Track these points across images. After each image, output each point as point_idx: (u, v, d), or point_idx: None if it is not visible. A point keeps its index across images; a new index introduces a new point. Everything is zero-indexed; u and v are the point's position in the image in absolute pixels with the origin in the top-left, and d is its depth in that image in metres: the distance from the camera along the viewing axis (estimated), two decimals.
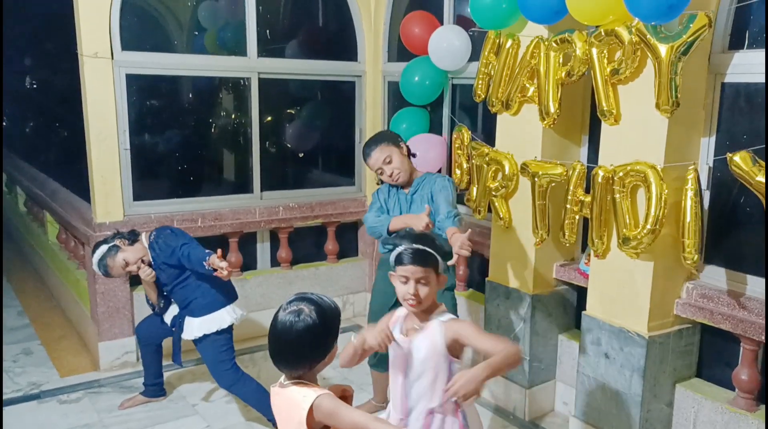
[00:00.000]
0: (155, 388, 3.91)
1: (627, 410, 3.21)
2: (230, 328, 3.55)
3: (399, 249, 2.19)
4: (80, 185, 4.81)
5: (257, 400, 3.50)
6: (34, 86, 7.25)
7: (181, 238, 3.47)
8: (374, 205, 3.51)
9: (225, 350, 3.52)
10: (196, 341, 3.53)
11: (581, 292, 3.69)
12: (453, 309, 3.42)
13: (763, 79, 2.88)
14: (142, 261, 3.49)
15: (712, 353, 3.29)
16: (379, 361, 3.65)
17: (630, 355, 3.17)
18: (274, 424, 3.46)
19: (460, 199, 4.37)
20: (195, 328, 3.50)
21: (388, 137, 3.47)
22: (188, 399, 3.98)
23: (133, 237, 3.55)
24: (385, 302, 3.53)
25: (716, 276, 3.14)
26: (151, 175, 4.57)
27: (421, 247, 2.16)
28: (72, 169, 5.22)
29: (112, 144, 4.25)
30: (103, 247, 3.49)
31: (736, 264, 3.08)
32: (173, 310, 3.67)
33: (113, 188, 4.29)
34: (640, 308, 3.13)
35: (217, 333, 3.48)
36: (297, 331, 1.88)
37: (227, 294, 3.59)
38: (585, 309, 3.41)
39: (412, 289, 2.15)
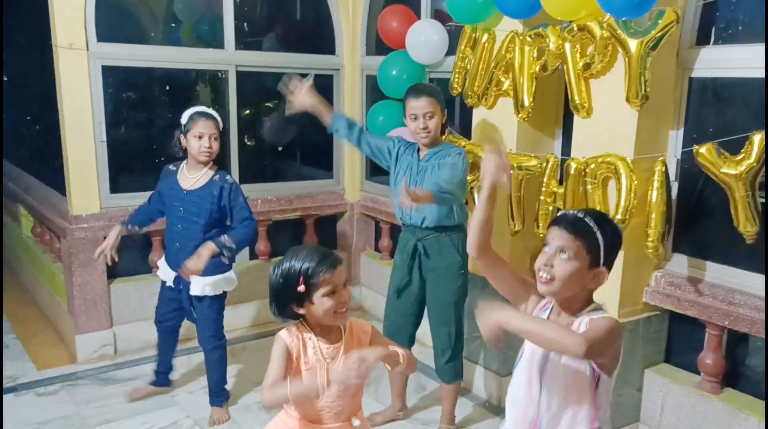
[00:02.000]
0: (165, 376, 3.89)
1: None
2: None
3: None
4: (55, 178, 4.78)
5: (222, 368, 3.65)
6: (5, 79, 7.16)
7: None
8: (381, 137, 3.53)
9: (222, 309, 3.62)
10: (199, 298, 3.53)
11: None
12: (464, 290, 3.39)
13: (729, 74, 3.00)
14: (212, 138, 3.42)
15: (679, 339, 3.40)
16: None
17: None
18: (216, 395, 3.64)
19: None
20: (209, 286, 3.47)
21: (440, 96, 3.26)
22: (165, 392, 3.99)
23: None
24: (400, 287, 3.47)
25: (683, 264, 3.25)
26: (128, 167, 4.56)
27: (586, 219, 1.74)
28: (46, 161, 5.18)
29: (88, 136, 4.24)
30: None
31: (702, 253, 3.18)
32: (167, 269, 3.62)
33: (90, 180, 4.28)
34: (611, 296, 3.22)
35: (223, 294, 3.58)
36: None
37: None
38: None
39: (544, 258, 1.75)
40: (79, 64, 4.13)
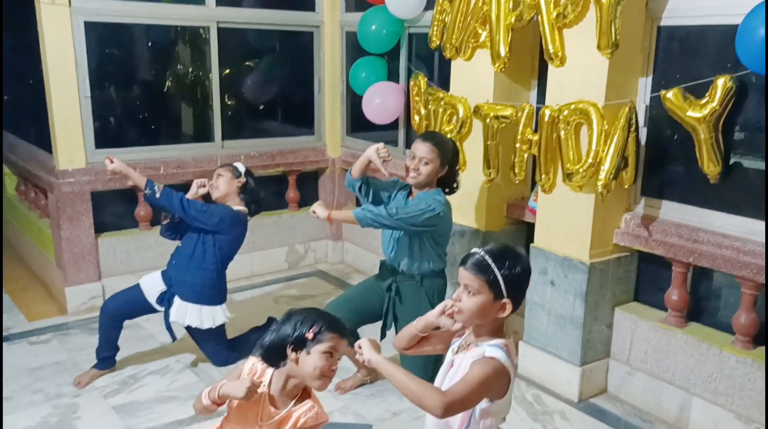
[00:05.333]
0: (110, 361, 3.73)
1: (570, 332, 3.49)
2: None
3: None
4: (39, 135, 4.83)
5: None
6: None
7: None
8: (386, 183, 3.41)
9: (219, 335, 3.68)
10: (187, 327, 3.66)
11: (530, 229, 3.93)
12: (439, 294, 3.33)
13: (695, 22, 3.13)
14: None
15: (647, 279, 3.58)
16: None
17: (573, 282, 3.43)
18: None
19: None
20: (188, 315, 3.56)
21: (445, 150, 3.17)
22: (157, 337, 4.12)
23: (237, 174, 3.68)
24: (356, 299, 3.45)
25: (651, 206, 3.42)
26: (113, 123, 4.63)
27: (486, 257, 1.88)
28: (29, 120, 5.19)
29: (72, 92, 4.28)
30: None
31: (668, 195, 3.35)
32: (157, 283, 3.64)
33: (75, 136, 4.33)
34: (583, 238, 3.38)
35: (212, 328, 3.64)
36: None
37: (223, 294, 3.71)
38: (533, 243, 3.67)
39: (455, 293, 1.93)
40: (62, 19, 4.16)
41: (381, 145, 3.24)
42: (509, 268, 1.86)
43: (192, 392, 3.43)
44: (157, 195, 3.37)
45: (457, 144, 3.64)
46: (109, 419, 3.27)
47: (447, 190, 3.28)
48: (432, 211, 3.07)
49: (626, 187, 3.32)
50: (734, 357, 3.05)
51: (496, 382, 1.84)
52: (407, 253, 3.24)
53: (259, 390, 2.00)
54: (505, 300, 1.86)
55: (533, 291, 3.65)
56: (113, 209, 4.72)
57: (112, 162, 3.43)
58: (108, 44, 4.54)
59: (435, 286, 3.29)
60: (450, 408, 1.74)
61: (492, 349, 1.87)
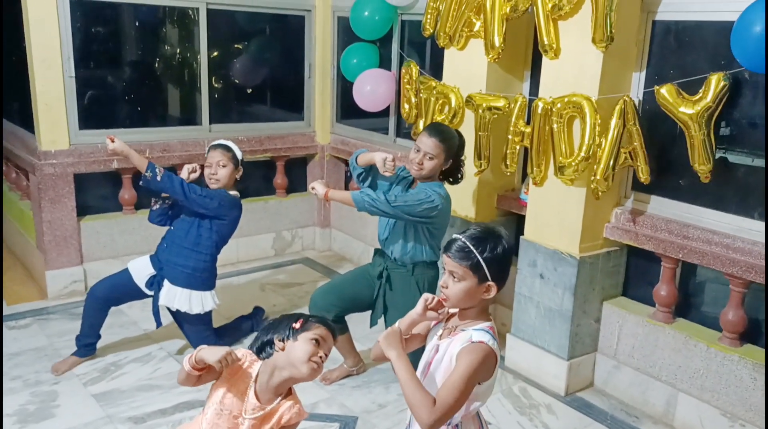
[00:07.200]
0: (91, 348, 3.66)
1: (559, 326, 3.48)
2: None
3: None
4: (21, 115, 4.73)
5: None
6: None
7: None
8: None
9: (206, 322, 3.66)
10: (174, 311, 3.63)
11: (520, 221, 3.91)
12: (430, 285, 3.27)
13: (691, 17, 3.10)
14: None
15: (636, 274, 3.57)
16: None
17: (563, 275, 3.42)
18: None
19: (407, 134, 4.52)
20: (177, 299, 3.52)
21: (451, 145, 3.12)
22: (140, 324, 4.07)
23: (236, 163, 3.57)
24: (345, 286, 3.43)
25: (642, 201, 3.40)
26: (98, 104, 4.52)
27: (467, 243, 1.88)
28: (11, 99, 5.08)
29: (56, 71, 4.18)
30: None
31: (659, 190, 3.34)
32: (145, 267, 3.60)
33: (58, 116, 4.24)
34: (573, 231, 3.36)
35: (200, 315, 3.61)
36: None
37: (213, 280, 3.68)
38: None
39: (441, 280, 1.95)
40: None
41: (390, 157, 3.17)
42: (491, 250, 1.88)
43: (175, 381, 3.38)
44: (158, 178, 3.31)
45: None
46: (89, 407, 3.22)
47: (451, 180, 3.26)
48: (431, 202, 3.04)
49: (643, 181, 3.18)
50: (721, 354, 3.05)
51: (484, 366, 1.85)
52: (401, 240, 3.20)
53: (248, 382, 1.99)
54: (490, 282, 1.89)
55: (522, 284, 3.64)
56: (97, 192, 4.64)
57: (113, 141, 3.35)
58: (94, 23, 4.43)
59: (426, 276, 3.25)
60: (436, 424, 1.76)
61: (479, 333, 1.87)
